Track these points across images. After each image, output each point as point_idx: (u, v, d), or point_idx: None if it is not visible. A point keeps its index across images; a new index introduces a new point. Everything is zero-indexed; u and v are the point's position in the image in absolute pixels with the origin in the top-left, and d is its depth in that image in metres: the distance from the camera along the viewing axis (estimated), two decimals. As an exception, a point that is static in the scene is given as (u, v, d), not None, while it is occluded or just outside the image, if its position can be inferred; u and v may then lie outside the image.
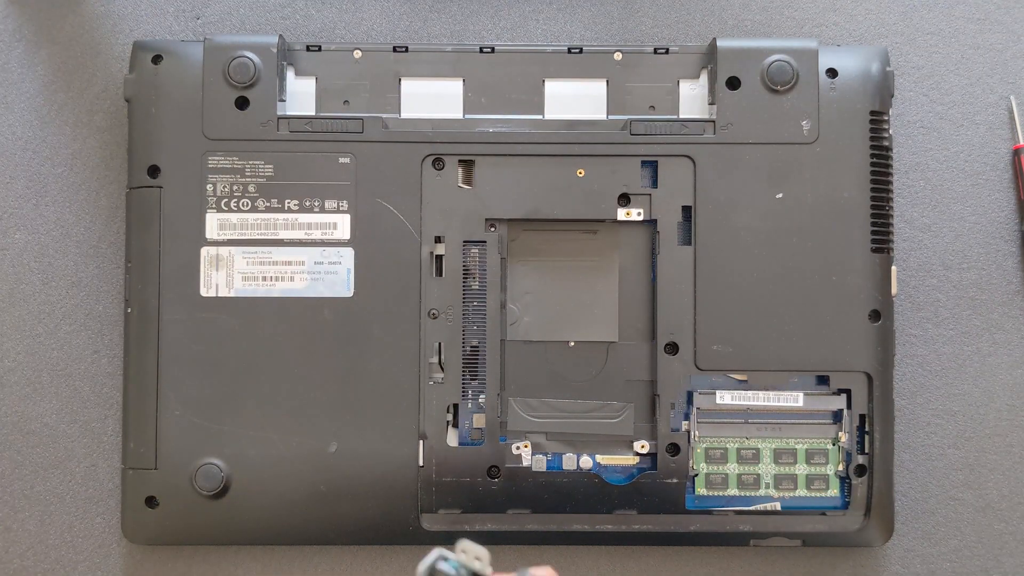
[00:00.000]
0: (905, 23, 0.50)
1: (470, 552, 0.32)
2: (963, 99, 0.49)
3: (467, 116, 0.46)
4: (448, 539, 0.44)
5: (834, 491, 0.46)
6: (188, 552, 0.47)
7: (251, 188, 0.46)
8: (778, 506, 0.46)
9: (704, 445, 0.46)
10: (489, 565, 0.32)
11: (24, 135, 0.49)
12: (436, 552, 0.31)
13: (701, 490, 0.46)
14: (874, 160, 0.46)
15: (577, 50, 0.47)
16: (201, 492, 0.45)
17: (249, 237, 0.46)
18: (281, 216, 0.46)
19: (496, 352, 0.46)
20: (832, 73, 0.46)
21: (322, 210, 0.46)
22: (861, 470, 0.46)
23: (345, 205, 0.46)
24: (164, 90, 0.46)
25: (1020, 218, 0.49)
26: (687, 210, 0.46)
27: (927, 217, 0.49)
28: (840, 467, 0.46)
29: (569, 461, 0.46)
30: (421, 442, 0.45)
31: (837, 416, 0.46)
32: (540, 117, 0.47)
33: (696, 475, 0.46)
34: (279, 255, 0.46)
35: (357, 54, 0.47)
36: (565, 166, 0.46)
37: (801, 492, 0.46)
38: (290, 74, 0.47)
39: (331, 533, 0.46)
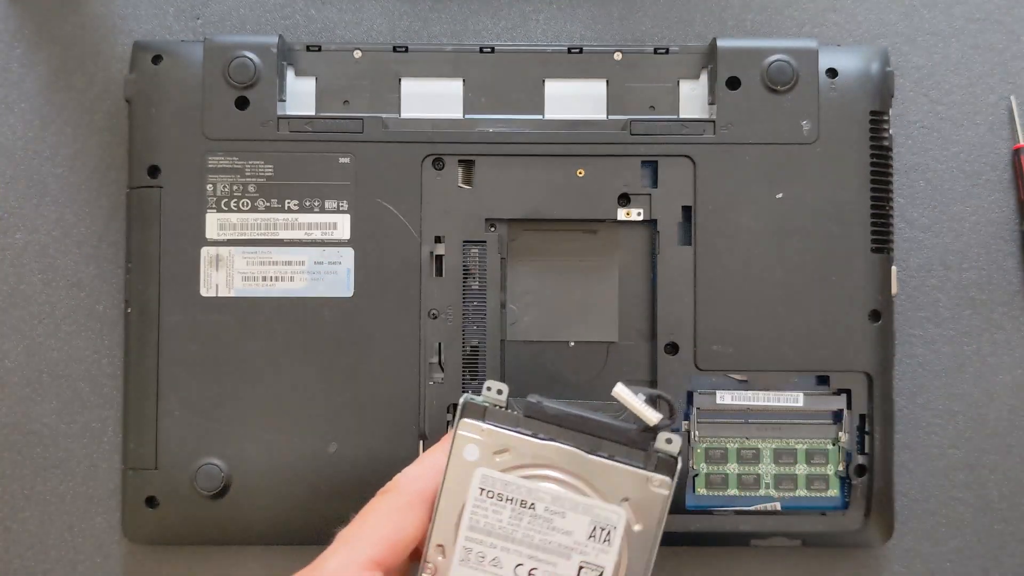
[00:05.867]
0: (905, 23, 0.50)
1: (493, 388, 0.37)
2: (963, 99, 0.49)
3: (467, 116, 0.46)
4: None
5: (834, 491, 0.46)
6: (188, 552, 0.47)
7: (251, 188, 0.46)
8: (778, 506, 0.46)
9: (704, 445, 0.46)
10: (507, 396, 0.37)
11: (24, 135, 0.49)
12: (466, 395, 0.37)
13: (701, 490, 0.46)
14: (874, 160, 0.46)
15: (577, 50, 0.47)
16: (201, 492, 0.45)
17: (249, 237, 0.46)
18: (281, 216, 0.46)
19: (496, 352, 0.46)
20: (832, 73, 0.46)
21: (322, 210, 0.46)
22: (861, 470, 0.46)
23: (345, 205, 0.46)
24: (164, 90, 0.46)
25: (1020, 218, 0.49)
26: (687, 210, 0.46)
27: (927, 217, 0.49)
28: (840, 467, 0.46)
29: (569, 461, 0.46)
30: (421, 442, 0.45)
31: (837, 416, 0.46)
32: (540, 117, 0.47)
33: (696, 475, 0.46)
34: (279, 255, 0.46)
35: (357, 54, 0.47)
36: (565, 166, 0.46)
37: (801, 492, 0.46)
38: (290, 74, 0.47)
39: (331, 533, 0.46)
